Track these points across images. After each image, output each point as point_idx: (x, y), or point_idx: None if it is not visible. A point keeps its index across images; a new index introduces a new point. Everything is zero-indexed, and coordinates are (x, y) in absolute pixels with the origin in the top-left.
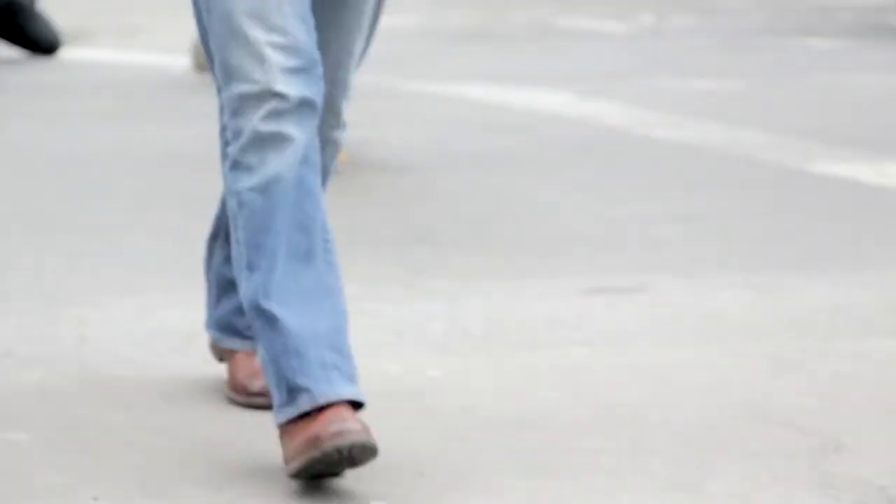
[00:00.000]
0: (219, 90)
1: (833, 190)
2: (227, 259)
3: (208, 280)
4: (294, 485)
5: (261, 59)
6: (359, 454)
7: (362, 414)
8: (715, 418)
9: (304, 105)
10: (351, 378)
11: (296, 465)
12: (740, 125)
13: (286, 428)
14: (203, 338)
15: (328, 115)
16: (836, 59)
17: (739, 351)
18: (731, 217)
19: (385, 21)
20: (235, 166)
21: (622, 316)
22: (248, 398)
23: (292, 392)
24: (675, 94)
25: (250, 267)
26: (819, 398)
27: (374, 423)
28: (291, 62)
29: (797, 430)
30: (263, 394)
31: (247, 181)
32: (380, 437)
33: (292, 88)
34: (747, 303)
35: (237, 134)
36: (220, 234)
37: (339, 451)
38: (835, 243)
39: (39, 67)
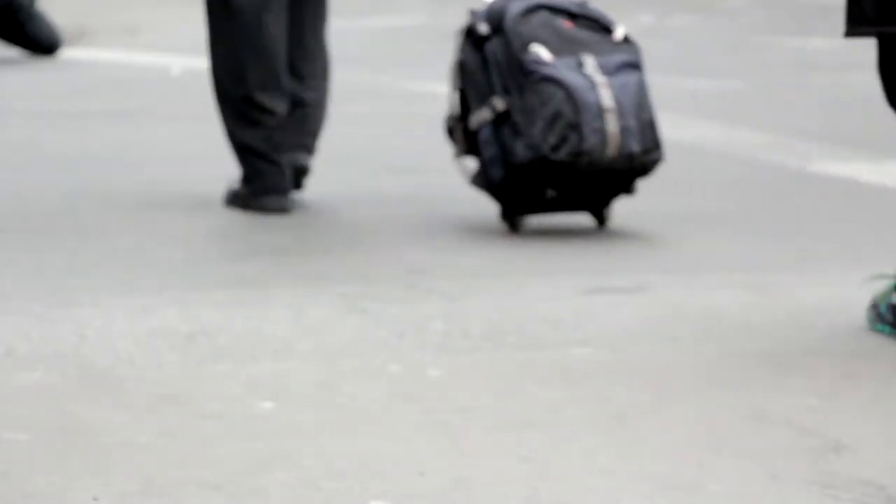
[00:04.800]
0: None
1: (833, 190)
2: None
3: None
4: (293, 484)
5: None
6: None
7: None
8: (715, 418)
9: None
10: None
11: None
12: (740, 125)
13: None
14: (202, 338)
15: None
16: (836, 59)
17: (739, 351)
18: (731, 217)
19: (385, 21)
20: None
21: (622, 316)
22: None
23: None
24: (675, 94)
25: None
26: (819, 398)
27: (375, 423)
28: None
29: (797, 430)
30: None
31: None
32: (380, 437)
33: None
34: (747, 303)
35: None
36: None
37: None
38: (835, 243)
39: (39, 67)
